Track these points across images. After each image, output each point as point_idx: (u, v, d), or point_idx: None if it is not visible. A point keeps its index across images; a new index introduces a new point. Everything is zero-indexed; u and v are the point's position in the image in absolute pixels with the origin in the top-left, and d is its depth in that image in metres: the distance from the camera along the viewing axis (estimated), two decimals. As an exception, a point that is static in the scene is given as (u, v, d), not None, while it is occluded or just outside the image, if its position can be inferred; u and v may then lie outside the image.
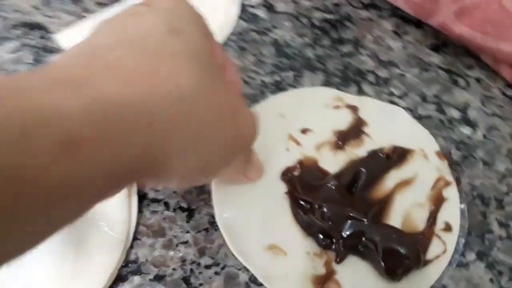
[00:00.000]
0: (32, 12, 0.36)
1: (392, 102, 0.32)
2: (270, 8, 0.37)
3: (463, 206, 0.28)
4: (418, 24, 0.36)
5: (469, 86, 0.33)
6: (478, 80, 0.33)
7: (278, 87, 0.32)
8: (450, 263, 0.25)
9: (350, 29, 0.36)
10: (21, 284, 0.24)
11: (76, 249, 0.25)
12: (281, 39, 0.35)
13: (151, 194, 0.28)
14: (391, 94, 0.32)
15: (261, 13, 0.37)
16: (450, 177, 0.28)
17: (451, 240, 0.26)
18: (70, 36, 0.34)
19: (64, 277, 0.25)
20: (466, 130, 0.31)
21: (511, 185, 0.28)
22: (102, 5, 0.37)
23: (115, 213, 0.27)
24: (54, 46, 0.34)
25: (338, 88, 0.32)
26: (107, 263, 0.25)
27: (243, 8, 0.37)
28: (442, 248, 0.26)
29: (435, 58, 0.34)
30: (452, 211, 0.27)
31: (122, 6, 0.36)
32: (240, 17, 0.36)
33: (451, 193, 0.28)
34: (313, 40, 0.35)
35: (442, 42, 0.35)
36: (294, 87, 0.33)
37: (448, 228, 0.26)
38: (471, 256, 0.26)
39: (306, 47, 0.35)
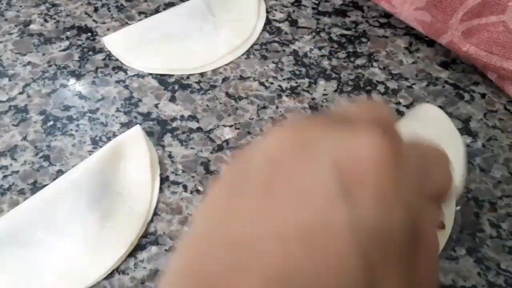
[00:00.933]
0: (82, 17, 0.41)
1: (398, 111, 0.34)
2: (293, 23, 0.40)
3: (458, 208, 0.29)
4: (430, 42, 0.39)
5: (474, 100, 0.35)
6: (483, 95, 0.35)
7: (293, 92, 0.36)
8: (439, 256, 0.27)
9: (365, 44, 0.39)
10: (55, 249, 0.28)
11: (103, 219, 0.29)
12: (300, 50, 0.38)
13: (172, 177, 0.31)
14: (398, 103, 0.35)
15: (285, 26, 0.40)
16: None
17: (443, 237, 0.28)
18: (114, 40, 0.39)
19: (91, 242, 0.28)
20: (466, 139, 0.33)
21: (505, 190, 0.30)
22: (143, 13, 0.41)
23: (140, 191, 0.30)
24: (99, 47, 0.39)
25: (349, 96, 0.35)
26: (128, 232, 0.29)
27: (269, 21, 0.41)
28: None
29: (443, 74, 0.37)
30: (447, 211, 0.29)
31: (162, 16, 0.40)
32: (265, 29, 0.40)
33: (449, 195, 0.30)
34: (330, 52, 0.38)
35: (451, 59, 0.38)
36: (309, 92, 0.36)
37: (441, 226, 0.28)
38: (461, 251, 0.28)
39: (323, 58, 0.38)
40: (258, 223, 0.14)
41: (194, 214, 0.17)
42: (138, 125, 0.33)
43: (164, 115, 0.34)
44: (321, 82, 0.36)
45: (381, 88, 0.36)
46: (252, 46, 0.39)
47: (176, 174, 0.31)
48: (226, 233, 0.15)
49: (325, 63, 0.38)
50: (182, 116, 0.34)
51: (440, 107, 0.35)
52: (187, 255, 0.15)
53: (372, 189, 0.14)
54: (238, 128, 0.34)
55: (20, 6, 0.41)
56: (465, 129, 0.33)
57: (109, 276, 0.27)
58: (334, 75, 0.37)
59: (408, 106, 0.35)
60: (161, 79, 0.36)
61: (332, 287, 0.13)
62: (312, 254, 0.13)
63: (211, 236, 0.15)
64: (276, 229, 0.14)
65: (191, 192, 0.30)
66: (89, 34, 0.39)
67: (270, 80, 0.37)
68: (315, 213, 0.14)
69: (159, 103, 0.35)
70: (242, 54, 0.38)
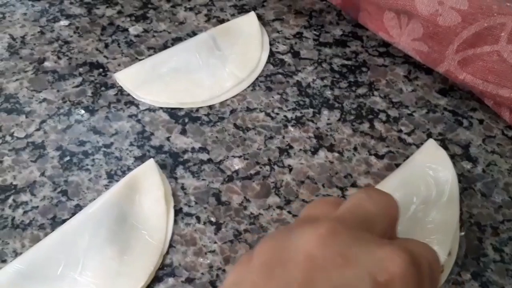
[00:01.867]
0: (94, 53, 0.42)
1: (400, 139, 0.36)
2: (295, 54, 0.42)
3: (462, 233, 0.31)
4: (428, 70, 0.40)
5: (472, 126, 0.37)
6: (481, 121, 0.37)
7: (299, 122, 0.37)
8: (446, 281, 0.28)
9: (365, 74, 0.40)
10: (77, 283, 0.29)
11: (121, 252, 0.30)
12: (303, 81, 0.40)
13: (185, 209, 0.32)
14: (400, 131, 0.36)
15: (288, 58, 0.42)
16: None
17: (449, 262, 0.29)
18: (125, 75, 0.40)
19: (110, 275, 0.29)
20: (467, 165, 0.34)
21: (506, 215, 0.31)
22: (152, 48, 0.43)
23: (155, 223, 0.31)
24: (111, 82, 0.40)
25: (352, 124, 0.37)
26: (146, 265, 0.30)
27: (272, 53, 0.42)
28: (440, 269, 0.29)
29: (442, 101, 0.38)
30: (452, 237, 0.30)
31: (170, 51, 0.42)
32: (269, 62, 0.42)
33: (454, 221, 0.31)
34: (332, 82, 0.40)
35: (449, 86, 0.39)
36: (313, 122, 0.37)
37: (441, 270, 0.30)
38: (466, 276, 0.29)
39: (326, 88, 0.40)
40: None
41: (230, 276, 0.20)
42: (151, 158, 0.34)
43: (176, 148, 0.36)
44: (325, 111, 0.38)
45: (382, 116, 0.37)
46: (257, 78, 0.40)
47: (189, 206, 0.33)
48: None
49: (328, 93, 0.39)
50: (193, 148, 0.36)
51: (440, 133, 0.36)
52: None
53: None
54: (247, 159, 0.35)
55: (34, 44, 0.43)
56: (465, 155, 0.35)
57: (128, 307, 0.28)
58: (337, 105, 0.38)
59: (409, 134, 0.36)
60: (172, 112, 0.38)
61: None
62: None
63: None
64: None
65: (204, 223, 0.32)
66: (101, 70, 0.41)
67: (276, 110, 0.38)
68: None
69: (170, 136, 0.36)
70: (248, 86, 0.40)
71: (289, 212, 0.32)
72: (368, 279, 0.18)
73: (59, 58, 0.42)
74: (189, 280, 0.29)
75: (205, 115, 0.38)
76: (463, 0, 0.35)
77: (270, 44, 0.43)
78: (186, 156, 0.35)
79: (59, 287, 0.28)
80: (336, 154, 0.35)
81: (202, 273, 0.30)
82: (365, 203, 0.22)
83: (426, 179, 0.32)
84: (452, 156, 0.35)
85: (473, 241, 0.30)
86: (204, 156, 0.35)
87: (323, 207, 0.23)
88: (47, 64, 0.42)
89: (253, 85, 0.40)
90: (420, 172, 0.32)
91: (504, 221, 0.31)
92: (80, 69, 0.41)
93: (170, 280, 0.29)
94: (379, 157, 0.35)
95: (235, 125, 0.37)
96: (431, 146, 0.34)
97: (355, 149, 0.35)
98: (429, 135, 0.36)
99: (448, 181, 0.31)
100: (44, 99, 0.39)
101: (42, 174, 0.34)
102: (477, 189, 0.33)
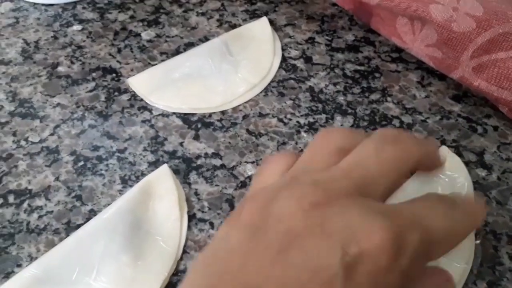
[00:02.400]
0: (106, 58, 0.43)
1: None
2: (307, 60, 0.42)
3: (478, 242, 0.30)
4: (441, 76, 0.40)
5: (487, 133, 0.36)
6: (495, 128, 0.37)
7: (311, 127, 0.37)
8: (462, 290, 0.28)
9: (378, 79, 0.40)
10: (89, 285, 0.29)
11: (136, 258, 0.30)
12: (316, 86, 0.40)
13: (199, 215, 0.32)
14: (414, 137, 0.36)
15: (300, 63, 0.42)
16: None
17: (464, 271, 0.29)
18: (138, 80, 0.41)
19: (124, 281, 0.29)
20: (481, 172, 0.34)
21: (522, 223, 0.31)
22: (165, 53, 0.43)
23: (169, 229, 0.31)
24: (124, 87, 0.40)
25: (365, 131, 0.37)
26: (160, 271, 0.30)
27: (284, 59, 0.42)
28: (457, 278, 0.29)
29: (455, 107, 0.38)
30: (467, 245, 0.30)
31: (183, 57, 0.42)
32: (281, 67, 0.42)
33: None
34: (345, 88, 0.40)
35: (463, 92, 0.39)
36: (324, 127, 0.37)
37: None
38: (482, 285, 0.29)
39: (338, 94, 0.39)
40: (268, 273, 0.18)
41: (219, 231, 0.21)
42: (165, 164, 0.34)
43: (189, 153, 0.36)
44: (338, 117, 0.38)
45: (396, 122, 0.37)
46: (269, 84, 0.40)
47: (203, 212, 0.33)
48: (240, 271, 0.19)
49: (341, 98, 0.39)
50: (206, 154, 0.36)
51: (454, 140, 0.36)
52: (204, 275, 0.20)
53: (366, 279, 0.17)
54: (260, 164, 0.35)
55: (47, 49, 0.44)
56: (479, 162, 0.35)
57: (143, 313, 0.28)
58: (350, 110, 0.38)
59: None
60: (185, 118, 0.38)
61: None
62: None
63: (227, 267, 0.19)
64: (279, 283, 0.18)
65: (218, 229, 0.32)
66: (114, 75, 0.41)
67: (289, 116, 0.38)
68: (316, 286, 0.17)
69: (183, 142, 0.36)
70: (260, 92, 0.40)
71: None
72: (339, 251, 0.18)
73: (72, 63, 0.42)
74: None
75: (217, 120, 0.38)
76: (478, 6, 0.35)
77: (282, 50, 0.43)
78: (199, 162, 0.35)
79: (74, 292, 0.28)
80: (350, 161, 0.35)
81: (216, 280, 0.30)
82: (369, 162, 0.21)
83: (442, 185, 0.31)
84: (467, 163, 0.34)
85: (488, 250, 0.30)
86: (217, 162, 0.35)
87: (324, 156, 0.22)
88: (60, 68, 0.42)
89: (266, 90, 0.40)
90: (435, 178, 0.32)
91: (520, 230, 0.31)
92: (93, 74, 0.42)
93: (184, 286, 0.29)
94: (393, 163, 0.35)
95: (247, 130, 0.37)
96: (444, 153, 0.34)
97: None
98: (443, 142, 0.36)
99: (464, 187, 0.31)
100: (58, 104, 0.39)
101: (57, 179, 0.34)
102: (492, 196, 0.33)
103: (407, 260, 0.18)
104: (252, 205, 0.21)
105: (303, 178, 0.21)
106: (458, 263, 0.29)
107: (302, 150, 0.36)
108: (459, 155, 0.35)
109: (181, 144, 0.36)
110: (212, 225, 0.32)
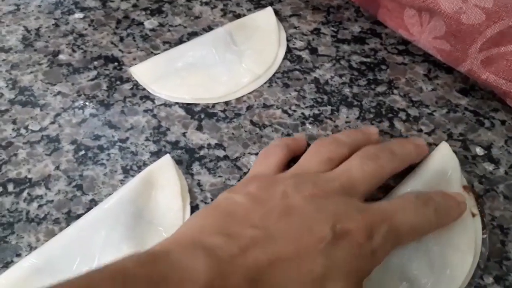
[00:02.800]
0: (108, 47, 0.42)
1: (416, 137, 0.35)
2: (313, 51, 0.42)
3: (485, 236, 0.30)
4: (448, 69, 0.39)
5: (494, 127, 0.36)
6: (503, 122, 0.36)
7: (316, 119, 0.37)
8: (469, 284, 0.28)
9: (385, 72, 0.40)
10: (78, 267, 0.28)
11: (137, 248, 0.29)
12: (321, 78, 0.40)
13: (202, 205, 0.32)
14: (420, 130, 0.36)
15: (305, 55, 0.41)
16: (475, 210, 0.31)
17: (472, 266, 0.29)
18: (141, 70, 0.40)
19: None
20: (489, 166, 0.33)
21: (530, 218, 0.31)
22: (168, 43, 0.42)
23: (171, 220, 0.31)
24: (126, 76, 0.40)
25: (371, 123, 0.36)
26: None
27: (289, 50, 0.42)
28: (464, 272, 0.28)
29: (462, 101, 0.38)
30: (473, 238, 0.30)
31: (186, 46, 0.41)
32: (286, 58, 0.41)
33: (476, 224, 0.30)
34: (351, 79, 0.39)
35: (470, 86, 0.39)
36: (331, 119, 0.37)
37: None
38: (489, 279, 0.28)
39: (344, 86, 0.39)
40: (271, 223, 0.24)
41: (219, 197, 0.27)
42: (167, 154, 0.34)
43: (192, 144, 0.35)
44: (343, 109, 0.37)
45: (402, 115, 0.37)
46: (274, 75, 0.40)
47: (205, 203, 0.32)
48: (244, 218, 0.25)
49: (346, 90, 0.39)
50: (209, 145, 0.35)
51: (461, 134, 0.35)
52: (207, 215, 0.26)
53: (346, 249, 0.24)
54: (258, 155, 0.34)
55: (49, 37, 0.43)
56: (487, 156, 0.34)
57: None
58: (355, 103, 0.38)
59: (430, 134, 0.36)
60: (188, 108, 0.37)
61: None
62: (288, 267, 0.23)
63: (230, 213, 0.25)
64: (281, 230, 0.24)
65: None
66: (116, 63, 0.41)
67: (293, 108, 0.38)
68: (304, 249, 0.23)
69: (186, 132, 0.36)
70: (265, 83, 0.39)
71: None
72: (330, 223, 0.24)
73: (73, 51, 0.42)
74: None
75: (221, 111, 0.37)
76: (488, -2, 0.34)
77: (287, 40, 0.42)
78: (202, 152, 0.35)
79: (75, 282, 0.28)
80: (355, 153, 0.35)
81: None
82: (354, 172, 0.28)
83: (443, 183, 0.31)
84: (474, 157, 0.34)
85: (495, 244, 0.30)
86: (220, 153, 0.35)
87: (320, 164, 0.29)
88: (61, 57, 0.41)
89: (270, 81, 0.39)
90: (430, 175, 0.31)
91: (528, 225, 0.30)
92: (95, 63, 0.41)
93: (186, 278, 0.29)
94: (399, 156, 0.34)
95: (251, 121, 0.37)
96: (444, 149, 0.33)
97: (374, 148, 0.35)
98: (450, 135, 0.35)
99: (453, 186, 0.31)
100: (59, 92, 0.39)
101: (57, 168, 0.34)
102: (499, 191, 0.32)
103: (377, 242, 0.25)
104: (258, 182, 0.27)
105: (303, 176, 0.28)
106: (465, 256, 0.28)
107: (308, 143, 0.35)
108: (466, 149, 0.34)
109: (183, 134, 0.36)
110: (215, 216, 0.31)
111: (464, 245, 0.29)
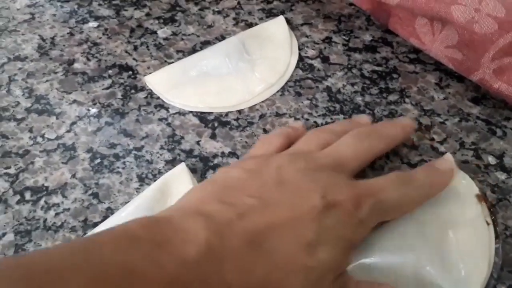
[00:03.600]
0: (123, 56, 0.43)
1: (432, 147, 0.35)
2: (325, 59, 0.42)
3: (498, 245, 0.30)
4: (460, 78, 0.40)
5: (506, 136, 0.36)
6: (514, 131, 0.36)
7: (330, 128, 0.37)
8: (482, 295, 0.28)
9: (396, 80, 0.40)
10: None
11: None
12: (333, 86, 0.40)
13: (217, 214, 0.32)
14: (432, 139, 0.36)
15: (317, 63, 0.42)
16: (488, 219, 0.31)
17: (485, 276, 0.29)
18: (155, 78, 0.40)
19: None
20: (501, 175, 0.33)
21: (543, 228, 0.31)
22: (181, 52, 0.43)
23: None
24: (140, 85, 0.40)
25: (383, 132, 0.36)
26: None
27: (301, 58, 0.42)
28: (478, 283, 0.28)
29: (474, 109, 0.38)
30: (486, 249, 0.30)
31: (199, 55, 0.42)
32: (298, 67, 0.41)
33: (490, 233, 0.30)
34: (363, 88, 0.40)
35: (482, 95, 0.39)
36: (344, 129, 0.37)
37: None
38: (503, 289, 0.28)
39: (356, 94, 0.39)
40: (265, 193, 0.26)
41: (215, 173, 0.31)
42: (182, 162, 0.34)
43: (206, 152, 0.36)
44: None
45: (414, 124, 0.37)
46: (286, 83, 0.40)
47: (220, 211, 0.32)
48: (241, 188, 0.27)
49: (359, 99, 0.39)
50: (222, 153, 0.36)
51: (473, 143, 0.36)
52: (204, 188, 0.28)
53: (335, 217, 0.26)
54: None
55: (64, 45, 0.44)
56: (499, 165, 0.34)
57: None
58: (368, 111, 0.38)
59: (442, 142, 0.36)
60: (201, 116, 0.38)
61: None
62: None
63: (227, 184, 0.27)
64: (276, 199, 0.26)
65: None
66: (130, 72, 0.41)
67: (306, 116, 0.38)
68: (298, 216, 0.25)
69: (200, 140, 0.36)
70: (277, 91, 0.40)
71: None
72: (320, 194, 0.26)
73: (88, 59, 0.42)
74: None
75: (234, 119, 0.38)
76: (500, 7, 0.34)
77: (299, 49, 0.43)
78: (216, 161, 0.35)
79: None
80: (367, 162, 0.35)
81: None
82: (345, 149, 0.30)
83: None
84: (486, 166, 0.34)
85: (509, 254, 0.30)
86: (233, 161, 0.35)
87: (312, 146, 0.31)
88: (76, 65, 0.42)
89: (282, 90, 0.40)
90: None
91: (542, 234, 0.30)
92: (110, 71, 0.41)
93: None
94: (412, 165, 0.34)
95: (264, 130, 0.37)
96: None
97: (387, 157, 0.35)
98: (462, 144, 0.36)
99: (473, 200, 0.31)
100: (74, 101, 0.39)
101: (73, 176, 0.34)
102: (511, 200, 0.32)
103: (364, 212, 0.26)
104: (254, 159, 0.30)
105: (297, 153, 0.30)
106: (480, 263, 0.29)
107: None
108: (478, 158, 0.35)
109: (197, 143, 0.36)
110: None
111: (478, 252, 0.29)
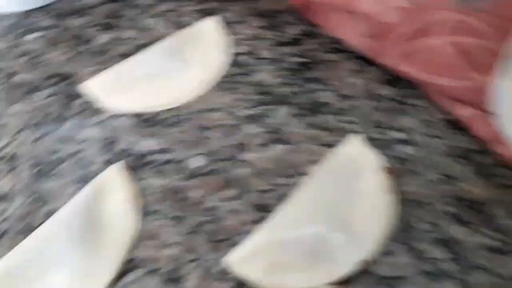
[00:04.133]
0: (63, 64, 0.45)
1: (345, 130, 0.39)
2: (255, 55, 0.44)
3: (396, 208, 0.34)
4: (375, 64, 0.42)
5: (415, 113, 0.39)
6: (422, 108, 0.40)
7: (258, 119, 0.40)
8: (378, 252, 0.31)
9: (320, 70, 0.43)
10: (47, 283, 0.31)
11: (91, 252, 0.32)
12: (263, 80, 0.42)
13: (151, 207, 0.35)
14: (350, 122, 0.39)
15: (249, 59, 0.44)
16: (390, 187, 0.34)
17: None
18: (93, 84, 0.42)
19: (81, 275, 0.31)
20: (407, 149, 0.37)
21: (445, 191, 0.34)
22: (121, 56, 0.45)
23: (124, 224, 0.34)
24: (79, 92, 0.42)
25: (306, 119, 0.39)
26: (114, 260, 0.32)
27: (234, 55, 0.44)
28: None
29: (388, 91, 0.41)
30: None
31: (136, 58, 0.44)
32: (231, 63, 0.44)
33: (390, 199, 0.34)
34: (290, 79, 0.42)
35: (394, 77, 0.42)
36: (271, 117, 0.40)
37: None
38: (397, 249, 0.32)
39: (284, 86, 0.42)
40: None
41: None
42: (118, 162, 0.36)
43: (141, 150, 0.38)
44: (284, 108, 0.40)
45: (334, 109, 0.40)
46: (219, 80, 0.43)
47: (154, 204, 0.35)
48: None
49: (287, 90, 0.42)
50: (157, 149, 0.38)
51: (382, 122, 0.39)
52: None
53: None
54: (209, 156, 0.38)
55: (4, 58, 0.45)
56: (406, 140, 0.38)
57: (100, 301, 0.31)
58: (294, 101, 0.41)
59: (358, 123, 0.39)
60: (138, 116, 0.40)
61: None
62: None
63: None
64: None
65: (168, 219, 0.34)
66: (70, 80, 0.43)
67: (237, 109, 0.40)
68: None
69: (135, 140, 0.39)
70: (210, 88, 0.42)
71: (246, 202, 0.35)
72: None
73: (29, 70, 0.44)
74: (154, 271, 0.32)
75: (168, 117, 0.40)
76: (402, -3, 0.37)
77: (232, 46, 0.45)
78: (151, 158, 0.38)
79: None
80: (290, 146, 0.38)
81: (167, 263, 0.32)
82: None
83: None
84: (393, 141, 0.38)
85: (405, 217, 0.33)
86: (168, 156, 0.38)
87: None
88: (17, 77, 0.44)
89: (216, 86, 0.42)
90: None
91: (439, 198, 0.34)
92: (50, 81, 0.43)
93: (137, 272, 0.32)
94: (330, 146, 0.37)
95: (197, 125, 0.40)
96: (356, 141, 0.37)
97: (307, 142, 0.38)
98: (372, 123, 0.39)
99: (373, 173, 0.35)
100: (16, 112, 0.41)
101: (14, 186, 0.36)
102: (417, 171, 0.36)
103: None
104: None
105: None
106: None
107: (246, 140, 0.38)
108: (385, 134, 0.38)
109: (133, 142, 0.39)
110: (163, 215, 0.34)
111: (381, 220, 0.32)
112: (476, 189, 0.35)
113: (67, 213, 0.33)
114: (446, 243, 0.32)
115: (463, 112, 0.38)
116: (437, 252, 0.32)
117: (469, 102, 0.37)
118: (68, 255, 0.31)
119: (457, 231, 0.33)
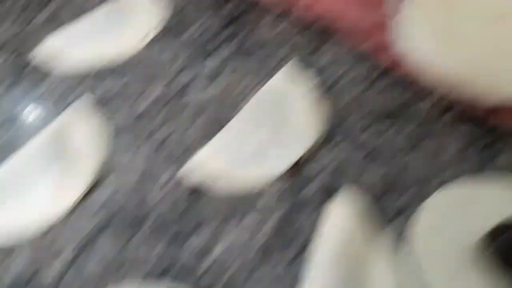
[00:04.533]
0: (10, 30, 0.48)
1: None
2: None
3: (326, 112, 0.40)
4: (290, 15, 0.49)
5: (334, 43, 0.46)
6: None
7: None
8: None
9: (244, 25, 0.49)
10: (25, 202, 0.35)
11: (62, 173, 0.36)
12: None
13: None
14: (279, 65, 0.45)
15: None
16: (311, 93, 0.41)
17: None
18: (44, 50, 0.46)
19: (53, 191, 0.36)
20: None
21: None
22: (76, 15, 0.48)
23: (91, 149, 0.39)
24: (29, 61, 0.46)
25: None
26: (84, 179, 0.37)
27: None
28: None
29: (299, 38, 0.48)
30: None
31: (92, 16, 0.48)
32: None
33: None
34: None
35: (308, 23, 0.49)
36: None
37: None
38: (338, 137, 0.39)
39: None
40: None
41: None
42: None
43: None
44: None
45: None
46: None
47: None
48: None
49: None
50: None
51: (310, 61, 0.45)
52: None
53: None
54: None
55: None
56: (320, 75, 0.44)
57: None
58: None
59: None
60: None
61: None
62: None
63: None
64: None
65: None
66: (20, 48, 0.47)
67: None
68: None
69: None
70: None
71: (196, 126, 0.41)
72: None
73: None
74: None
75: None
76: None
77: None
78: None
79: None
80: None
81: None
82: None
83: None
84: (320, 68, 0.44)
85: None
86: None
87: None
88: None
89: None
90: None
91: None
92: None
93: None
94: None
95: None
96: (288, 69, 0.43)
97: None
98: (302, 61, 0.45)
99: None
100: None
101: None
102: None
103: None
104: None
105: None
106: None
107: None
108: (310, 66, 0.45)
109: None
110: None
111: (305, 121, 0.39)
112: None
113: (41, 139, 0.38)
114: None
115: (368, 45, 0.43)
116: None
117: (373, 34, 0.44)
118: (47, 170, 0.36)
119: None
